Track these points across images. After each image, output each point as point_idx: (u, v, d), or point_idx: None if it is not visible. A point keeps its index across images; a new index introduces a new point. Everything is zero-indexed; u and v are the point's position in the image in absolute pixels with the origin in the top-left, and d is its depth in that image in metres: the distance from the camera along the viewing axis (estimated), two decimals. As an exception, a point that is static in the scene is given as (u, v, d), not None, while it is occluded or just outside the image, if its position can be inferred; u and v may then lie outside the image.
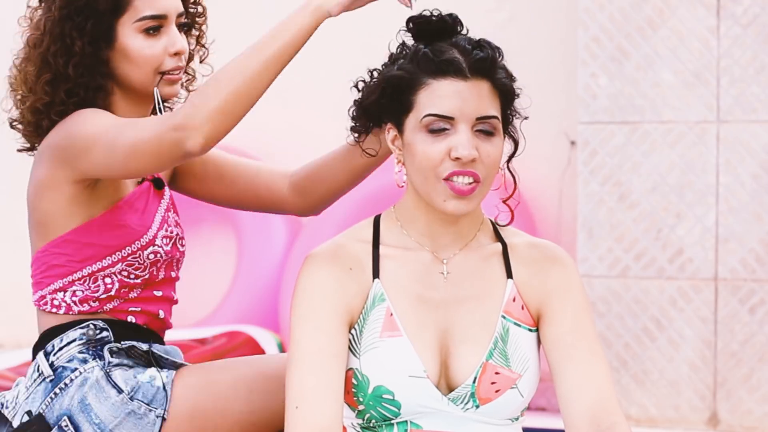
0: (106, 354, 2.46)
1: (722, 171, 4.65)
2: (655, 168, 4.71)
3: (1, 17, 6.41)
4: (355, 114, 2.37)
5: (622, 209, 4.75)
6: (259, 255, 5.54)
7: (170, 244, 2.56)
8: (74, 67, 2.45)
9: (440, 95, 2.23)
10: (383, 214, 2.37)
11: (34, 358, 2.51)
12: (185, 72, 2.56)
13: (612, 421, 2.22)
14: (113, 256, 2.49)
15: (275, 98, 5.73)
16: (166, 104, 2.54)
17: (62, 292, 2.50)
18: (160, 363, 2.53)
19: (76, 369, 2.44)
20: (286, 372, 2.24)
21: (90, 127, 2.38)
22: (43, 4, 2.50)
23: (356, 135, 2.40)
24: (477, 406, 2.26)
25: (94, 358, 2.45)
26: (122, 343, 2.48)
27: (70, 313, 2.49)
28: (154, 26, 2.47)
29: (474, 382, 2.26)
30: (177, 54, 2.49)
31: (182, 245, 2.61)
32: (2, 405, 2.50)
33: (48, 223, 2.48)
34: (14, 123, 2.56)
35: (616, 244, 4.76)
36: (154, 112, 2.57)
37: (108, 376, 2.44)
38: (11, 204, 6.21)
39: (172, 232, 2.58)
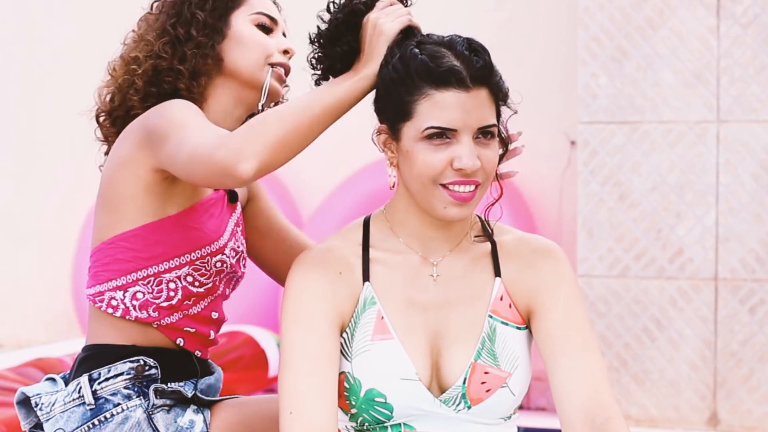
0: (151, 395, 2.43)
1: (722, 171, 4.65)
2: (655, 168, 4.71)
3: (4, 17, 6.41)
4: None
5: (622, 209, 4.75)
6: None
7: (236, 259, 2.54)
8: (196, 31, 2.48)
9: (443, 107, 2.20)
10: (373, 215, 2.36)
11: (76, 369, 2.48)
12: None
13: (607, 415, 2.21)
14: (182, 257, 2.45)
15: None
16: (269, 104, 2.55)
17: (122, 291, 2.44)
18: (201, 400, 2.52)
19: (119, 404, 2.43)
20: (279, 376, 2.24)
21: (173, 115, 2.35)
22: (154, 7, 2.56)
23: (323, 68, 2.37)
24: (469, 407, 2.26)
25: (138, 396, 2.43)
26: (168, 385, 2.46)
27: (127, 317, 2.44)
28: (267, 24, 2.53)
29: (464, 382, 2.25)
30: (287, 52, 2.53)
31: (244, 265, 2.59)
32: (37, 405, 2.47)
33: (119, 209, 2.42)
34: (101, 114, 2.54)
35: (616, 244, 4.76)
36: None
37: (150, 418, 2.43)
38: (12, 204, 6.21)
39: (239, 248, 2.56)
